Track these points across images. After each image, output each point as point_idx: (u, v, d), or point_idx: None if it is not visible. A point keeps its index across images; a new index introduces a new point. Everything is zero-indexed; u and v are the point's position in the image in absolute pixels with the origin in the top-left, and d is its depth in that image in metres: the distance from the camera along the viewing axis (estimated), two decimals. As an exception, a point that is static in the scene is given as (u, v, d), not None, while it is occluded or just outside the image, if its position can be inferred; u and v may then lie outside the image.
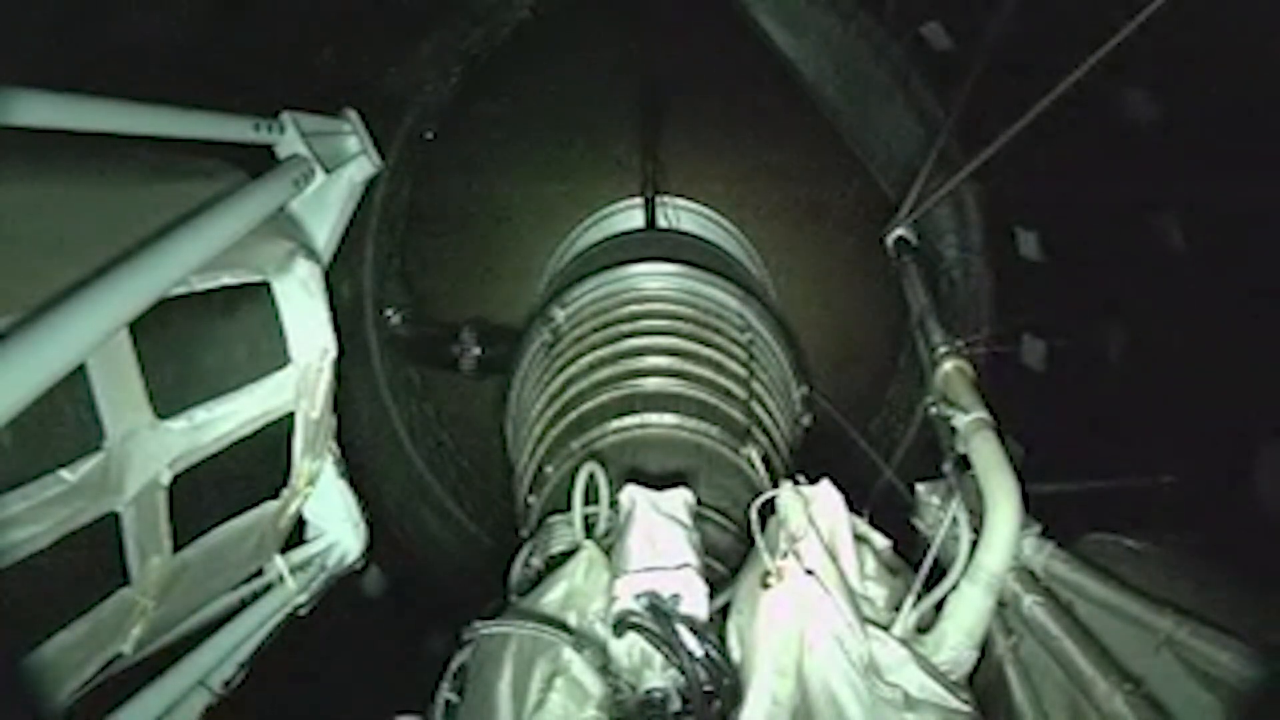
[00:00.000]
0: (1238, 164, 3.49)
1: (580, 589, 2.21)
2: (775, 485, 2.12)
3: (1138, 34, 2.76)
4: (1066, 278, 5.00)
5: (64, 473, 2.21)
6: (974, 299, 5.76)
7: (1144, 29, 2.73)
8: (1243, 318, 3.50)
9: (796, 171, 6.13)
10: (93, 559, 2.48)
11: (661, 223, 5.73)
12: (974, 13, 4.47)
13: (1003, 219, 5.45)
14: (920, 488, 2.75)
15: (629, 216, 5.91)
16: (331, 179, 3.56)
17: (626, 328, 4.05)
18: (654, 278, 4.35)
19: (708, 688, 1.82)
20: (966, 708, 1.82)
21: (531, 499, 3.65)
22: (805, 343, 5.11)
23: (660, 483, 2.32)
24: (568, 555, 2.37)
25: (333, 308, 3.45)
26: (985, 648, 2.04)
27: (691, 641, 1.85)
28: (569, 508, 2.65)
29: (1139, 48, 2.77)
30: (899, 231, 4.38)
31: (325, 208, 3.69)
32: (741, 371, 3.95)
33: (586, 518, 2.63)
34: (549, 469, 3.61)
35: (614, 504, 2.48)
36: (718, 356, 3.94)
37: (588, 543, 2.35)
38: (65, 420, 2.21)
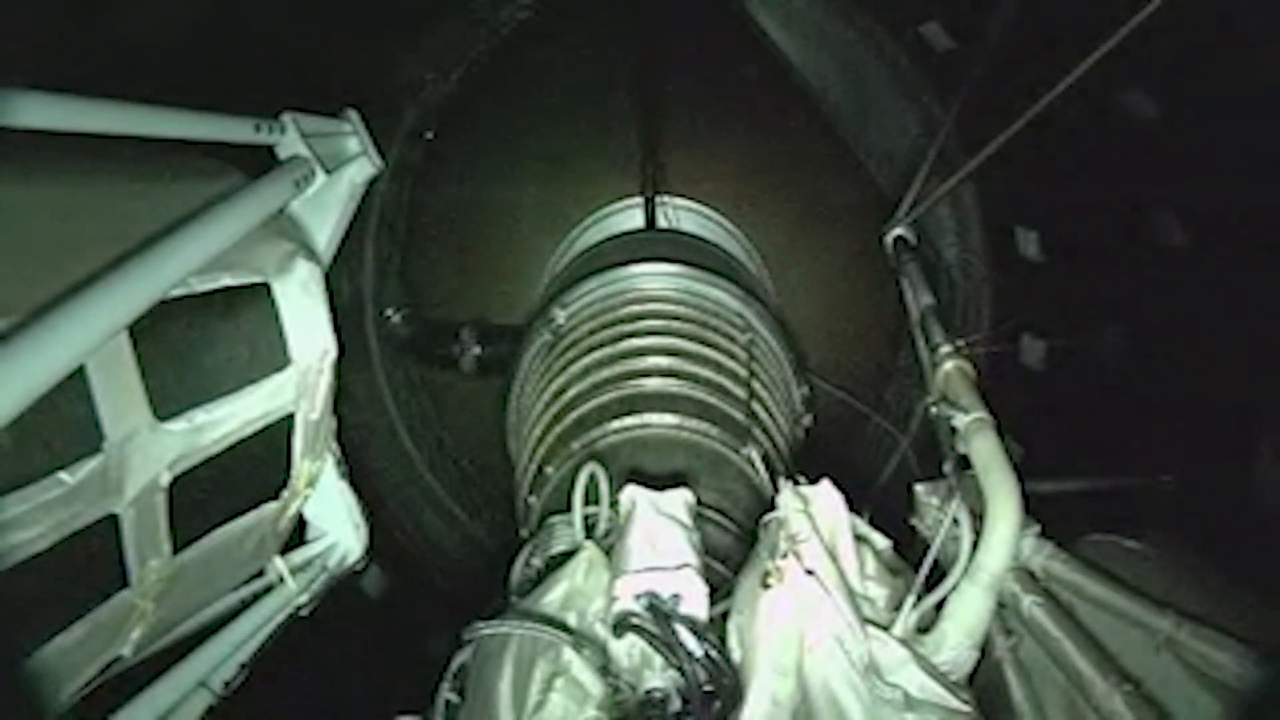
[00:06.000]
0: (1238, 164, 3.49)
1: (580, 589, 2.20)
2: (775, 485, 2.12)
3: (1138, 34, 2.75)
4: (1066, 278, 5.00)
5: (63, 475, 2.20)
6: (974, 299, 5.76)
7: (1144, 29, 2.73)
8: (1243, 318, 3.49)
9: (797, 171, 6.12)
10: (92, 561, 2.47)
11: (661, 223, 5.72)
12: (974, 13, 4.47)
13: (1003, 219, 5.45)
14: (919, 488, 2.74)
15: (629, 216, 5.90)
16: (332, 180, 3.56)
17: (627, 328, 4.04)
18: (654, 278, 4.34)
19: (708, 688, 1.82)
20: (967, 708, 1.82)
21: (532, 499, 3.65)
22: (805, 342, 5.11)
23: (661, 483, 2.32)
24: (568, 555, 2.37)
25: (333, 308, 3.45)
26: (985, 648, 2.04)
27: (691, 642, 1.84)
28: (569, 508, 2.64)
29: (1139, 48, 2.76)
30: (898, 231, 4.37)
31: (326, 209, 3.69)
32: (742, 372, 3.94)
33: (587, 518, 2.62)
34: (549, 469, 3.61)
35: (614, 504, 2.47)
36: (718, 357, 3.94)
37: (588, 543, 2.34)
38: (65, 422, 2.21)
